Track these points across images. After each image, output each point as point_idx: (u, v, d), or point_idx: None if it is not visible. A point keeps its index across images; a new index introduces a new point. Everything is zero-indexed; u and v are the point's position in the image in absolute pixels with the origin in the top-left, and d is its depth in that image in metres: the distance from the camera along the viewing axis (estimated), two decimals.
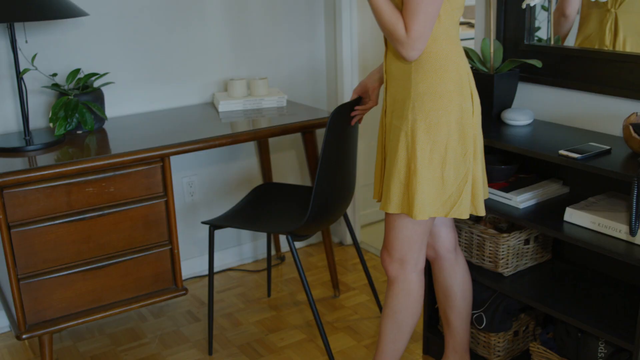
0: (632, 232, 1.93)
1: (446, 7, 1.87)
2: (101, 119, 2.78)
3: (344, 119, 2.42)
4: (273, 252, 3.62)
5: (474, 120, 2.00)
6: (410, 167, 1.95)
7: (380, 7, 1.84)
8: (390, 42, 1.90)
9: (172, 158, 3.12)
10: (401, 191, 1.99)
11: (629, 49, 2.36)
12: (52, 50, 2.82)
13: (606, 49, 2.40)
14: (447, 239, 2.30)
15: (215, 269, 3.49)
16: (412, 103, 1.93)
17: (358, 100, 2.40)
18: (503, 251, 2.38)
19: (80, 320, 2.47)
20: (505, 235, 2.37)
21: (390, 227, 2.10)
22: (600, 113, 2.37)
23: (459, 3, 1.91)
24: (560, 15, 2.54)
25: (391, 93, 2.04)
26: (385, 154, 2.08)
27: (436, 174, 1.96)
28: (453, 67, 1.94)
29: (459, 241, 2.52)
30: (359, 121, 2.47)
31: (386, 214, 2.10)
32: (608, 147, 2.11)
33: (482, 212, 2.08)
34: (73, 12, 2.45)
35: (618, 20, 2.38)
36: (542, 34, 2.61)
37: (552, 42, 2.60)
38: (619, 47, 2.38)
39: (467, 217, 2.05)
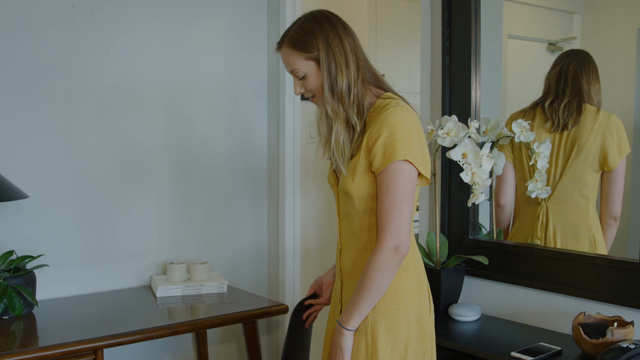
0: None
1: None
2: (31, 303, 2.63)
3: (302, 318, 2.31)
4: None
5: (431, 319, 1.96)
6: None
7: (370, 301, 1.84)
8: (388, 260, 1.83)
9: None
10: None
11: (559, 240, 2.44)
12: None
13: (539, 242, 2.47)
14: None
15: None
16: None
17: (314, 297, 2.29)
18: None
19: None
20: None
21: None
22: (547, 310, 2.37)
23: (414, 202, 1.93)
24: (496, 205, 2.62)
25: (347, 293, 1.97)
26: None
27: None
28: (412, 266, 1.91)
29: None
30: (313, 320, 2.36)
31: None
32: (559, 348, 2.09)
33: None
34: (12, 195, 2.39)
35: (549, 212, 2.47)
36: (486, 224, 2.67)
37: (495, 236, 2.64)
38: (550, 239, 2.46)
39: None
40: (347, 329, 1.86)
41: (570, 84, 2.45)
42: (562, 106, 2.46)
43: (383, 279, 1.81)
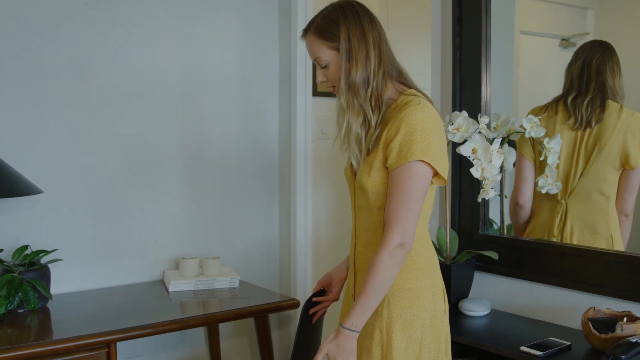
0: None
1: None
2: (45, 297, 2.66)
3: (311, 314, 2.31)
4: None
5: (446, 319, 1.96)
6: None
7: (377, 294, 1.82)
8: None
9: None
10: None
11: (576, 238, 2.42)
12: (2, 227, 2.74)
13: (556, 240, 2.45)
14: None
15: None
16: (387, 299, 1.87)
17: (321, 293, 2.29)
18: None
19: None
20: None
21: None
22: (557, 305, 2.37)
23: (430, 201, 1.93)
24: (514, 204, 2.61)
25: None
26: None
27: None
28: (427, 265, 1.91)
29: None
30: (322, 315, 2.34)
31: None
32: (568, 343, 2.09)
33: None
34: (27, 190, 2.42)
35: (568, 209, 2.46)
36: (497, 219, 2.67)
37: (505, 232, 2.65)
38: (567, 236, 2.44)
39: None
40: (357, 331, 1.82)
41: (593, 79, 2.42)
42: (585, 103, 2.42)
43: (388, 277, 1.81)
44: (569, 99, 2.46)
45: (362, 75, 1.86)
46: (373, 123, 1.87)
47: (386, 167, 1.85)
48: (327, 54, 1.90)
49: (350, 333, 1.82)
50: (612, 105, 2.39)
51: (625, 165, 2.35)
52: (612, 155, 2.37)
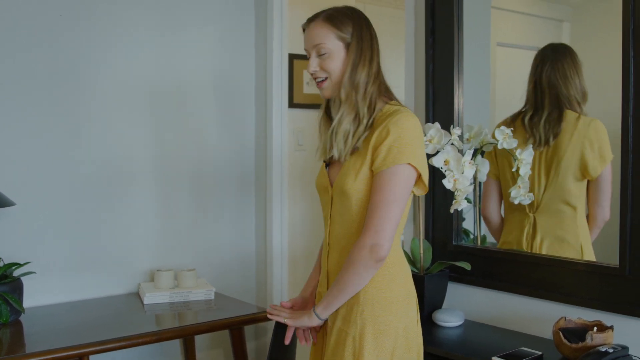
0: None
1: None
2: (18, 311, 2.64)
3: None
4: None
5: (419, 329, 1.98)
6: None
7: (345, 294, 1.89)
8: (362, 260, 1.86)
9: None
10: None
11: (545, 250, 2.44)
12: None
13: (527, 251, 2.47)
14: None
15: None
16: (362, 307, 1.88)
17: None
18: None
19: None
20: None
21: None
22: (529, 315, 2.39)
23: (404, 212, 1.94)
24: (483, 217, 2.63)
25: None
26: (324, 357, 2.00)
27: None
28: (400, 274, 1.93)
29: None
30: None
31: None
32: (540, 353, 2.11)
33: None
34: None
35: (536, 223, 2.48)
36: (470, 228, 2.69)
37: (479, 242, 2.67)
38: (536, 249, 2.46)
39: None
40: (320, 318, 1.93)
41: (547, 93, 2.43)
42: (542, 121, 2.42)
43: (354, 274, 1.84)
44: (526, 119, 2.47)
45: (366, 75, 1.92)
46: (364, 122, 1.90)
47: (372, 171, 1.87)
48: (333, 43, 1.92)
49: (313, 314, 1.94)
50: (569, 115, 2.40)
51: (585, 175, 2.37)
52: (571, 167, 2.39)
